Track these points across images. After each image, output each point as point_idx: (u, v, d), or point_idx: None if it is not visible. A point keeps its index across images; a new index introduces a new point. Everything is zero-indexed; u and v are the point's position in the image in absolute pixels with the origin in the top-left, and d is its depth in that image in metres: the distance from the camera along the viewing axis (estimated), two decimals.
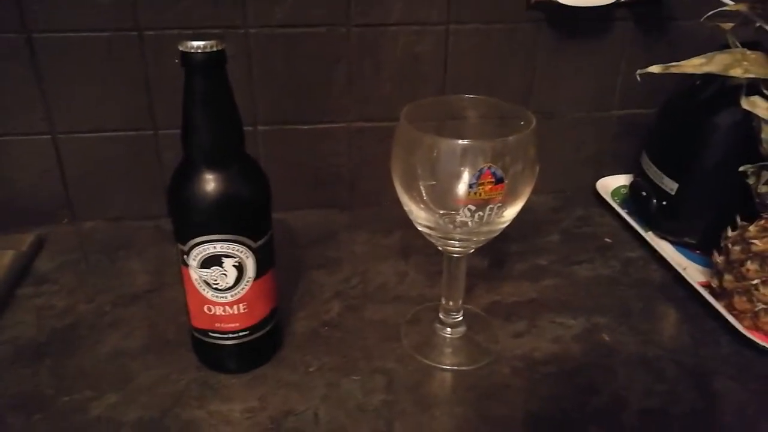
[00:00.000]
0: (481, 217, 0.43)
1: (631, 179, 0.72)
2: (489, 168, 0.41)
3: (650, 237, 0.66)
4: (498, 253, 0.65)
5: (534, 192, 0.74)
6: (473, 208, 0.43)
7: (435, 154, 0.43)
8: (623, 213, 0.71)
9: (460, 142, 0.42)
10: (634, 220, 0.69)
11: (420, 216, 0.46)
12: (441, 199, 0.44)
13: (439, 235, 0.47)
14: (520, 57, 0.69)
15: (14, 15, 0.58)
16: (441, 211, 0.44)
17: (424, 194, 0.45)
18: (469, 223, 0.44)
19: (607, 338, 0.54)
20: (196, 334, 0.48)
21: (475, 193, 0.42)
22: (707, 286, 0.58)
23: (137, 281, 0.60)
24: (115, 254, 0.64)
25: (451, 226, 0.45)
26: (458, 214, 0.43)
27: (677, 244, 0.66)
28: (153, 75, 0.63)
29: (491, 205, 0.43)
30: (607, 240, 0.68)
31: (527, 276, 0.62)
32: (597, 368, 0.51)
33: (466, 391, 0.48)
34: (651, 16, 0.69)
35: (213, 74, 0.40)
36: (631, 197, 0.71)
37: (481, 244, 0.48)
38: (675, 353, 0.52)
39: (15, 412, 0.45)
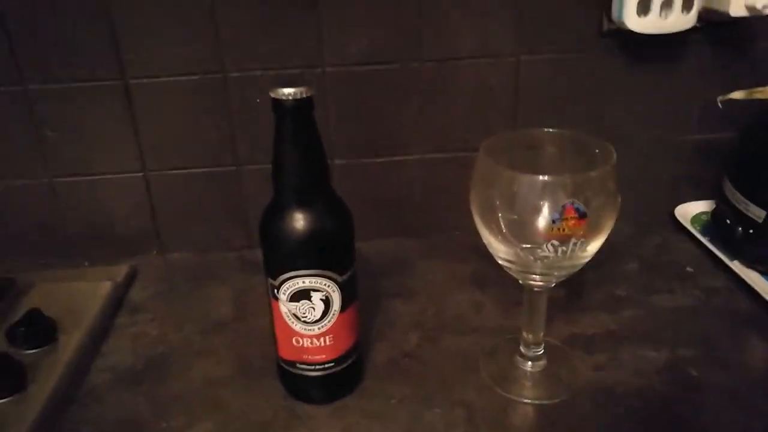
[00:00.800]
0: (564, 252, 0.44)
1: (712, 205, 0.70)
2: (572, 203, 0.41)
3: (736, 266, 0.64)
4: (574, 283, 0.64)
5: None
6: (557, 243, 0.43)
7: (515, 189, 0.44)
8: (705, 240, 0.69)
9: (541, 177, 0.42)
10: (717, 248, 0.67)
11: (500, 249, 0.47)
12: (522, 233, 0.44)
13: (519, 269, 0.47)
14: (592, 85, 0.69)
15: (113, 63, 0.63)
16: (523, 245, 0.45)
17: (503, 227, 0.45)
18: (551, 257, 0.45)
19: (694, 372, 0.52)
20: (284, 366, 0.50)
21: (559, 229, 0.42)
22: None
23: (222, 310, 0.62)
24: (201, 284, 0.67)
25: (532, 259, 0.46)
26: (540, 249, 0.44)
27: (765, 273, 0.63)
28: (236, 114, 0.66)
29: (574, 240, 0.43)
30: (689, 269, 0.66)
31: (605, 306, 0.61)
32: (684, 403, 0.49)
33: (549, 427, 0.48)
34: (727, 38, 0.67)
35: (302, 119, 0.42)
36: (714, 224, 0.69)
37: (562, 279, 0.48)
38: None
39: None
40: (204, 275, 0.68)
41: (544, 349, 0.53)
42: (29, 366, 0.53)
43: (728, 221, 0.65)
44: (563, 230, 0.42)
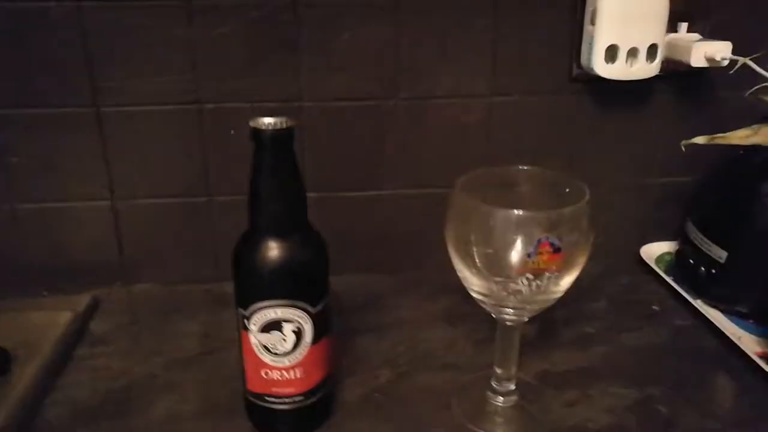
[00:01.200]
0: (538, 286, 0.44)
1: (676, 246, 0.72)
2: (547, 238, 0.42)
3: (700, 305, 0.66)
4: (546, 320, 0.64)
5: None
6: (531, 276, 0.43)
7: (491, 224, 0.44)
8: (669, 280, 0.70)
9: (516, 212, 0.43)
10: (681, 287, 0.68)
11: (474, 283, 0.47)
12: (496, 266, 0.45)
13: (493, 302, 0.48)
14: (562, 126, 0.71)
15: (86, 90, 0.62)
16: (497, 279, 0.45)
17: (478, 261, 0.45)
18: (524, 291, 0.45)
19: (663, 410, 0.53)
20: (251, 398, 0.48)
21: (534, 263, 0.43)
22: (765, 356, 0.57)
23: (189, 344, 0.61)
24: (167, 317, 0.65)
25: (505, 293, 0.46)
26: (515, 283, 0.44)
27: (729, 312, 0.65)
28: (210, 145, 0.66)
29: (548, 275, 0.43)
30: (655, 307, 0.68)
31: (576, 344, 0.61)
32: None
33: None
34: (689, 87, 0.70)
35: (283, 149, 0.42)
36: (678, 265, 0.71)
37: (534, 313, 0.49)
38: (736, 427, 0.51)
39: None
40: (170, 308, 0.67)
41: (515, 385, 0.53)
42: None
43: (691, 261, 0.67)
44: (538, 264, 0.43)
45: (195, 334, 0.62)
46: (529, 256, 0.42)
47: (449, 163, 0.69)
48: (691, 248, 0.68)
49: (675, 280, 0.70)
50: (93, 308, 0.66)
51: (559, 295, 0.47)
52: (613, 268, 0.75)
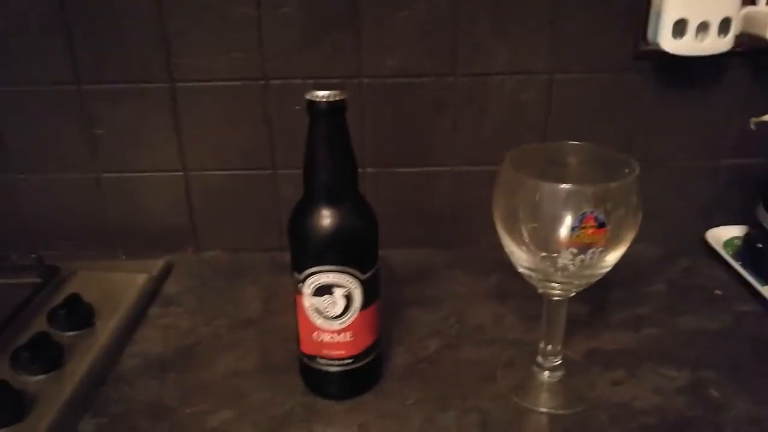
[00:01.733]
0: (582, 261, 0.44)
1: (746, 230, 0.69)
2: (592, 212, 0.42)
3: (767, 291, 0.63)
4: (599, 301, 0.64)
5: (639, 241, 0.73)
6: (575, 251, 0.44)
7: (537, 198, 0.45)
8: (736, 265, 0.68)
9: (563, 186, 0.43)
10: (749, 273, 0.66)
11: (521, 258, 0.48)
12: (542, 241, 0.45)
13: (540, 278, 0.48)
14: (625, 105, 0.69)
15: (162, 66, 0.66)
16: (542, 254, 0.46)
17: (525, 236, 0.46)
18: (571, 267, 0.45)
19: (716, 393, 0.52)
20: (305, 360, 0.51)
21: (578, 237, 0.43)
22: None
23: (251, 307, 0.65)
24: (232, 282, 0.69)
25: (552, 269, 0.46)
26: (560, 257, 0.44)
27: None
28: (274, 120, 0.69)
29: (593, 249, 0.44)
30: (718, 292, 0.66)
31: (628, 325, 0.61)
32: (703, 423, 0.49)
33: None
34: (766, 64, 0.67)
35: (335, 120, 0.44)
36: (746, 249, 0.68)
37: (581, 288, 0.49)
38: None
39: (145, 417, 0.50)
40: (236, 274, 0.71)
41: (561, 360, 0.53)
42: (67, 347, 0.55)
43: (760, 246, 0.64)
44: (582, 238, 0.43)
45: (257, 299, 0.66)
46: (573, 230, 0.43)
47: (506, 140, 0.70)
48: (761, 232, 0.65)
49: (742, 266, 0.67)
50: (166, 272, 0.71)
51: (605, 271, 0.47)
52: (676, 252, 0.73)
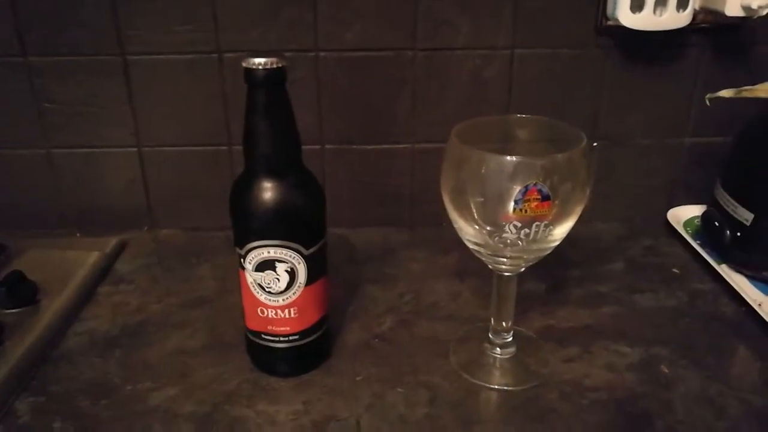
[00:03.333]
0: (527, 235, 0.43)
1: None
2: (535, 185, 0.41)
3: (723, 270, 0.63)
4: (556, 279, 0.64)
5: (600, 219, 0.73)
6: (519, 224, 0.43)
7: (483, 171, 0.44)
8: (695, 244, 0.68)
9: (509, 158, 0.42)
10: (707, 252, 0.66)
11: (468, 232, 0.47)
12: (489, 215, 0.44)
13: (489, 253, 0.47)
14: (587, 82, 0.68)
15: (113, 38, 0.64)
16: (488, 228, 0.45)
17: (471, 210, 0.45)
18: (518, 242, 0.44)
19: (666, 370, 0.52)
20: (250, 336, 0.50)
21: (521, 210, 0.42)
22: None
23: (204, 286, 0.63)
24: (187, 261, 0.68)
25: (501, 245, 0.45)
26: (504, 231, 0.44)
27: (753, 278, 0.62)
28: (230, 94, 0.67)
29: (537, 223, 0.43)
30: (675, 270, 0.65)
31: (585, 302, 0.60)
32: (652, 400, 0.49)
33: (511, 412, 0.48)
34: (727, 41, 0.67)
35: (273, 89, 0.43)
36: (704, 228, 0.68)
37: (531, 263, 0.48)
38: (742, 392, 0.49)
39: (84, 395, 0.49)
40: (191, 252, 0.69)
41: (513, 337, 0.53)
42: (8, 325, 0.54)
43: (717, 224, 0.64)
44: (525, 211, 0.42)
45: (211, 277, 0.65)
46: (516, 203, 0.42)
47: (468, 117, 0.68)
48: (718, 211, 0.65)
49: (701, 245, 0.67)
50: (119, 250, 0.69)
51: (553, 244, 0.46)
52: (636, 231, 0.73)
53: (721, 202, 0.64)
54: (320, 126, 0.69)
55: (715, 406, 0.48)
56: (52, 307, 0.57)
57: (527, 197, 0.42)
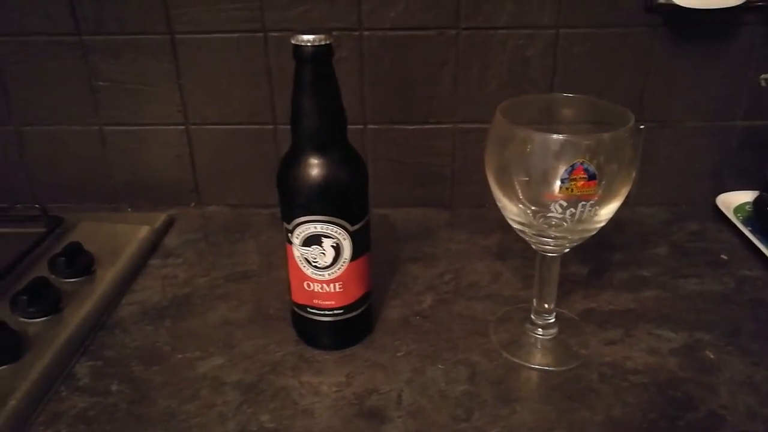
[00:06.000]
0: (573, 214, 0.43)
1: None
2: (582, 164, 0.41)
3: None
4: (600, 262, 0.63)
5: (645, 204, 0.72)
6: (564, 204, 0.43)
7: (529, 150, 0.43)
8: (745, 230, 0.66)
9: (554, 136, 0.42)
10: (758, 238, 0.64)
11: (512, 212, 0.47)
12: (533, 194, 0.44)
13: (533, 233, 0.47)
14: (635, 62, 0.67)
15: (161, 17, 0.66)
16: (533, 207, 0.45)
17: (515, 189, 0.45)
18: (563, 222, 0.44)
19: (711, 355, 0.51)
20: (296, 309, 0.52)
21: (567, 189, 0.42)
22: None
23: (249, 261, 0.65)
24: (232, 236, 0.70)
25: (546, 225, 0.45)
26: (550, 210, 0.44)
27: None
28: (275, 73, 0.68)
29: (583, 202, 0.43)
30: (723, 257, 0.64)
31: (628, 286, 0.60)
32: (695, 384, 0.48)
33: (550, 391, 0.48)
34: None
35: (321, 66, 0.43)
36: (755, 213, 0.66)
37: (575, 244, 0.48)
38: None
39: (138, 361, 0.51)
40: (236, 228, 0.71)
41: (555, 318, 0.53)
42: (66, 293, 0.56)
43: None
44: (571, 190, 0.42)
45: (256, 252, 0.66)
46: (562, 182, 0.42)
47: (510, 97, 0.68)
48: None
49: (752, 232, 0.66)
50: (168, 225, 0.71)
51: (599, 225, 0.46)
52: (684, 216, 0.72)
53: None
54: (363, 105, 0.69)
55: (761, 393, 0.47)
56: (106, 278, 0.60)
57: (573, 176, 0.41)
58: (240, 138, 0.72)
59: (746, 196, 0.71)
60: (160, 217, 0.71)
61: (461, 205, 0.74)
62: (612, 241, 0.66)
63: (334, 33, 0.65)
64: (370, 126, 0.70)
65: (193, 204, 0.75)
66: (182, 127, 0.71)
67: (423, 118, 0.70)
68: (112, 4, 0.65)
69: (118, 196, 0.75)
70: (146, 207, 0.74)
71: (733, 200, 0.72)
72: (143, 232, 0.68)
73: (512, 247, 0.65)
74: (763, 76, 0.55)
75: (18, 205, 0.67)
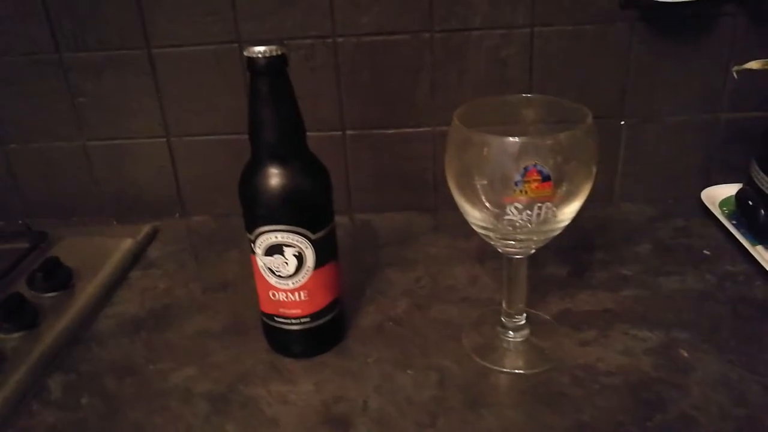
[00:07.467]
0: (529, 216, 0.43)
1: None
2: (535, 166, 0.41)
3: (758, 251, 0.60)
4: (580, 262, 0.62)
5: (630, 200, 0.71)
6: (520, 206, 0.42)
7: (486, 153, 0.43)
8: (729, 225, 0.65)
9: (510, 139, 0.42)
10: (741, 233, 0.63)
11: (475, 216, 0.46)
12: (492, 198, 0.44)
13: (498, 236, 0.47)
14: (614, 59, 0.66)
15: (138, 33, 0.67)
16: (492, 210, 0.44)
17: (481, 194, 0.45)
18: (527, 224, 0.44)
19: (685, 354, 0.50)
20: (264, 318, 0.52)
21: (521, 191, 0.41)
22: None
23: (229, 271, 0.65)
24: (215, 247, 0.70)
25: (510, 228, 0.45)
26: (506, 213, 0.43)
27: None
28: None
29: (539, 204, 0.42)
30: (706, 252, 0.63)
31: (606, 286, 0.59)
32: (667, 384, 0.47)
33: (519, 395, 0.47)
34: (764, 10, 0.63)
35: (274, 76, 0.43)
36: (738, 207, 0.65)
37: (540, 245, 0.47)
38: (765, 377, 0.47)
39: (111, 374, 0.52)
40: (220, 239, 0.72)
41: (526, 320, 0.52)
42: (44, 307, 0.57)
43: (751, 203, 0.61)
44: (526, 192, 0.41)
45: (236, 262, 0.67)
46: (516, 184, 0.41)
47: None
48: (753, 190, 0.62)
49: (735, 226, 0.64)
50: (152, 236, 0.72)
51: (561, 225, 0.45)
52: (669, 212, 0.70)
53: (757, 181, 0.61)
54: (341, 112, 0.69)
55: (735, 392, 0.46)
56: (85, 292, 0.60)
57: (527, 178, 0.41)
58: (222, 148, 0.72)
59: (732, 190, 0.69)
60: (144, 229, 0.72)
61: (446, 209, 0.74)
62: (594, 240, 0.65)
63: (307, 41, 0.66)
64: (349, 132, 0.70)
65: (177, 215, 0.76)
66: (164, 139, 0.72)
67: (402, 122, 0.70)
68: (91, 22, 0.66)
69: (105, 209, 0.76)
70: (132, 220, 0.75)
71: (719, 194, 0.70)
72: (126, 244, 0.69)
73: (492, 250, 0.64)
74: (734, 68, 0.54)
75: (1, 222, 0.68)
